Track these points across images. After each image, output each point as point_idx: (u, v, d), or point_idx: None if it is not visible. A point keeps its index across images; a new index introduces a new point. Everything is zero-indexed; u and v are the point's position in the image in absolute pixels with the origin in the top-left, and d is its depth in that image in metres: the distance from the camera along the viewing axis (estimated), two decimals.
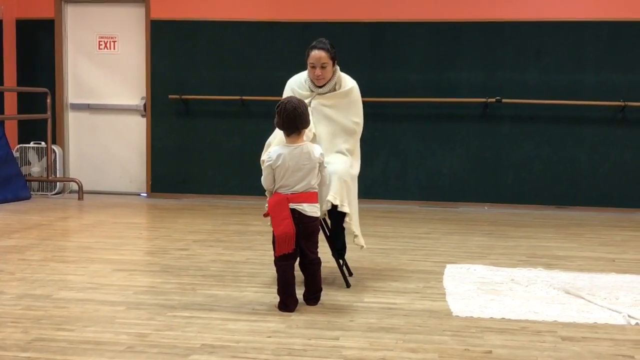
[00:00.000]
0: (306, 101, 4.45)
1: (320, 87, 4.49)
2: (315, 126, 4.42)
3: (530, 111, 7.87)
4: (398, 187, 8.15)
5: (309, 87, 4.52)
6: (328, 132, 4.47)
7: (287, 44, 8.16)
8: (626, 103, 7.69)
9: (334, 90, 4.52)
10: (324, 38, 4.50)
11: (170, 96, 8.36)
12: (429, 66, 8.03)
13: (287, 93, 4.57)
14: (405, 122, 8.09)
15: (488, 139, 7.99)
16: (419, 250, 5.56)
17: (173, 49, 8.42)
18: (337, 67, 4.54)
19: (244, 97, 8.18)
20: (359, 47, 8.08)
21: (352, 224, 4.35)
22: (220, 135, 8.40)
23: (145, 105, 8.58)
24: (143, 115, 8.65)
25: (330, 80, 4.48)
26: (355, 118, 4.56)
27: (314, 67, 4.41)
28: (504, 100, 7.83)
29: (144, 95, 8.59)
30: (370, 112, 8.01)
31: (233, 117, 8.33)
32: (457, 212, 7.58)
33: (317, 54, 4.39)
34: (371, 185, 8.01)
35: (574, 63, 7.83)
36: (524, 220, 7.14)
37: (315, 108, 4.47)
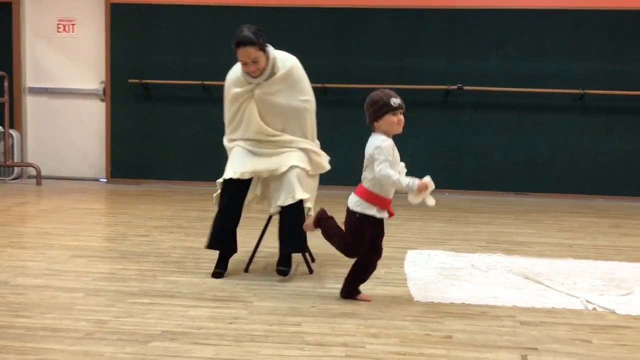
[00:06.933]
0: (248, 95, 4.26)
1: (257, 77, 4.24)
2: (265, 117, 4.29)
3: (491, 99, 7.93)
4: (361, 174, 8.14)
5: (247, 80, 4.26)
6: (279, 120, 4.31)
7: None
8: (585, 91, 7.79)
9: (273, 74, 4.25)
10: (247, 26, 4.16)
11: (130, 80, 8.27)
12: (392, 53, 8.04)
13: (227, 95, 4.34)
14: None
15: (449, 126, 8.04)
16: None
17: (133, 33, 8.31)
18: (270, 50, 4.23)
19: (205, 82, 8.11)
20: (322, 33, 8.06)
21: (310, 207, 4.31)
22: (181, 120, 8.33)
23: (104, 89, 8.47)
24: (102, 100, 8.54)
25: (265, 68, 4.21)
26: (302, 96, 4.31)
27: (245, 63, 4.15)
28: (465, 88, 7.89)
29: (104, 79, 8.48)
30: (333, 99, 8.03)
31: (194, 102, 8.27)
32: None
33: (245, 52, 4.10)
34: (334, 172, 7.96)
35: (534, 51, 7.91)
36: (484, 207, 7.20)
37: (260, 98, 4.26)
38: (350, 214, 3.79)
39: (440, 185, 7.96)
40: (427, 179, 3.71)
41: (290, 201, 4.19)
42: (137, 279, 4.16)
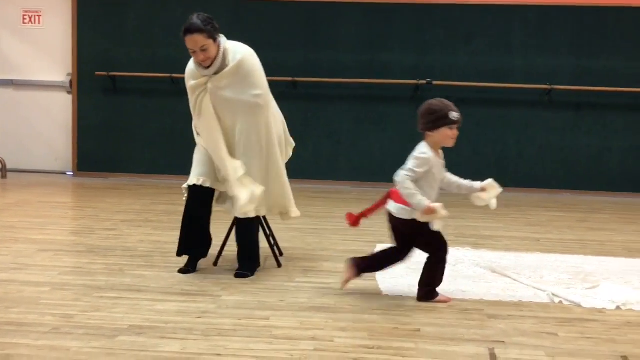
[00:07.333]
0: (203, 88, 4.08)
1: (208, 67, 4.04)
2: (219, 112, 4.10)
3: (459, 93, 7.96)
4: (330, 168, 8.16)
5: (200, 73, 4.07)
6: (230, 116, 4.09)
7: (219, 22, 8.02)
8: (552, 86, 7.86)
9: (225, 66, 4.05)
10: (197, 14, 4.02)
11: (97, 73, 8.18)
12: (361, 47, 8.05)
13: (187, 86, 4.17)
14: (338, 102, 8.09)
15: None
16: (349, 231, 5.56)
17: (100, 25, 8.22)
18: (222, 40, 4.05)
19: (174, 75, 8.04)
20: (292, 27, 8.03)
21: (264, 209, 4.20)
22: (149, 113, 8.26)
23: (71, 81, 8.37)
24: (69, 92, 8.44)
25: (216, 58, 4.01)
26: (254, 90, 4.05)
27: (194, 52, 3.97)
28: (434, 82, 7.91)
29: (70, 71, 8.38)
30: (303, 93, 8.02)
31: (162, 95, 8.20)
32: None
33: (192, 40, 3.92)
34: (303, 166, 8.00)
35: (502, 46, 7.96)
36: (452, 201, 7.18)
37: (212, 92, 4.06)
38: (410, 223, 3.67)
39: None
40: (438, 206, 3.58)
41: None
42: (104, 273, 4.12)
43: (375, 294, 3.85)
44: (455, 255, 4.77)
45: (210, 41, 3.96)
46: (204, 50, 3.95)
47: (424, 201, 3.57)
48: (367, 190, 7.76)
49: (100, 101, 8.31)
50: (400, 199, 3.68)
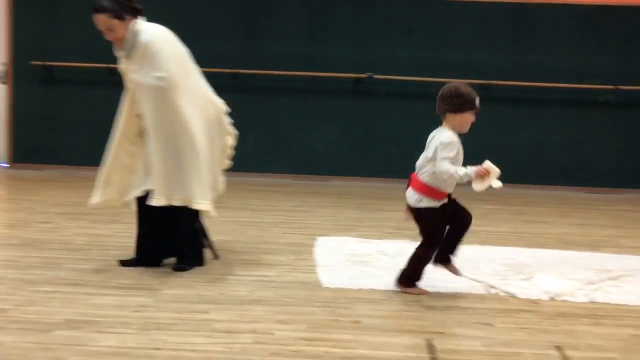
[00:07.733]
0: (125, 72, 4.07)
1: (121, 50, 4.01)
2: (135, 96, 4.09)
3: (400, 87, 8.03)
4: (271, 161, 8.14)
5: (117, 55, 4.06)
6: (143, 100, 4.04)
7: (157, 11, 7.89)
8: (491, 82, 7.98)
9: (135, 48, 3.97)
10: None
11: (32, 62, 7.99)
12: (302, 40, 8.04)
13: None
14: (279, 95, 8.07)
15: (360, 114, 8.10)
16: (291, 223, 5.58)
17: (37, 12, 8.03)
18: (135, 22, 3.97)
19: (110, 65, 7.89)
20: (232, 18, 7.98)
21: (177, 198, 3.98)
22: (87, 104, 8.10)
23: (5, 71, 8.17)
24: (4, 82, 8.23)
25: (126, 40, 3.95)
26: (157, 72, 3.92)
27: (103, 32, 3.93)
28: (375, 76, 7.96)
29: (5, 60, 8.17)
30: (243, 84, 7.98)
31: (101, 86, 8.05)
32: (329, 186, 7.66)
33: (96, 19, 3.89)
34: (244, 159, 7.94)
35: (443, 42, 8.05)
36: (393, 194, 7.28)
37: (127, 76, 4.07)
38: (416, 210, 3.79)
39: (350, 172, 8.11)
40: (487, 164, 3.74)
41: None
42: (39, 267, 4.04)
43: (316, 287, 3.87)
44: (394, 248, 4.81)
45: (116, 21, 3.90)
46: (110, 30, 3.91)
47: (471, 169, 3.69)
48: (307, 184, 7.77)
49: (36, 91, 8.12)
50: (415, 185, 3.78)
